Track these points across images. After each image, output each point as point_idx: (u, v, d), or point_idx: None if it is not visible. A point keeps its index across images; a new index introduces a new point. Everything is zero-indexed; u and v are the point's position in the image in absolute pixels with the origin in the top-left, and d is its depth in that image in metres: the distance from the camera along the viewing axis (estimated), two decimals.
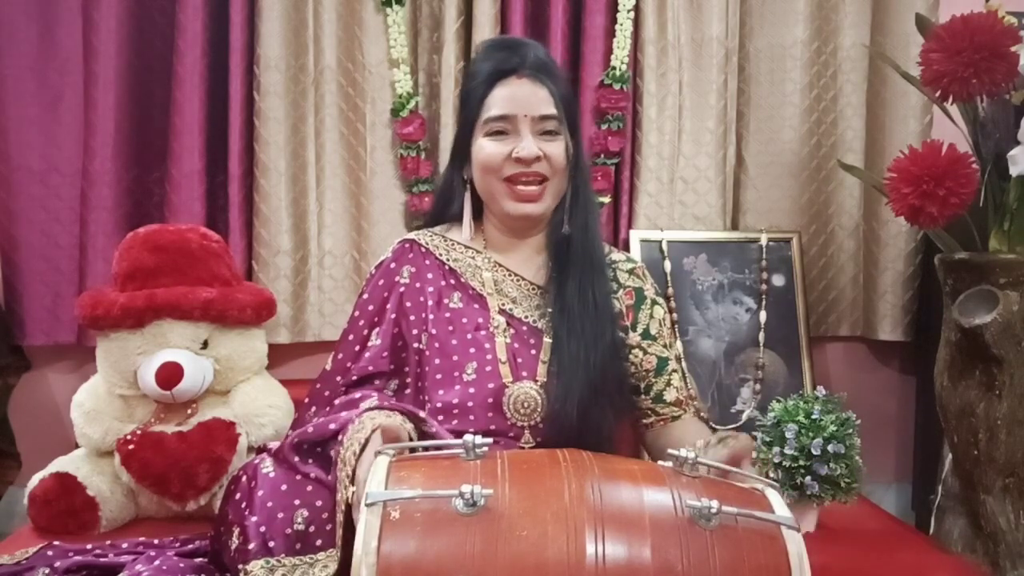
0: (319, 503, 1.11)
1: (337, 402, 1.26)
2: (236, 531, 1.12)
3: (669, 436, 1.32)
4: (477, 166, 1.28)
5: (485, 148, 1.26)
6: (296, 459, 1.15)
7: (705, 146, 2.01)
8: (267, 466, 1.17)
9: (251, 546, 1.08)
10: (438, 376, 1.25)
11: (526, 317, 1.30)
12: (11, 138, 1.88)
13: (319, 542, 1.09)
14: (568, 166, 1.29)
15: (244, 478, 1.18)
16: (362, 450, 1.04)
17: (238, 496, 1.16)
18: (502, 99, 1.25)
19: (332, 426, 1.14)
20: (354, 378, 1.29)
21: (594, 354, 1.23)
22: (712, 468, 0.94)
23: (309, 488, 1.12)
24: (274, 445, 1.23)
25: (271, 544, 1.08)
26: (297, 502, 1.11)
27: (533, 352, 1.27)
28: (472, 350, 1.26)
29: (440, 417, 1.21)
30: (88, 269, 1.89)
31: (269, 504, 1.11)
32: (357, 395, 1.24)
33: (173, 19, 1.89)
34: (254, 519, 1.10)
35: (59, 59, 1.89)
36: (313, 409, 1.33)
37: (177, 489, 1.48)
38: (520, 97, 1.25)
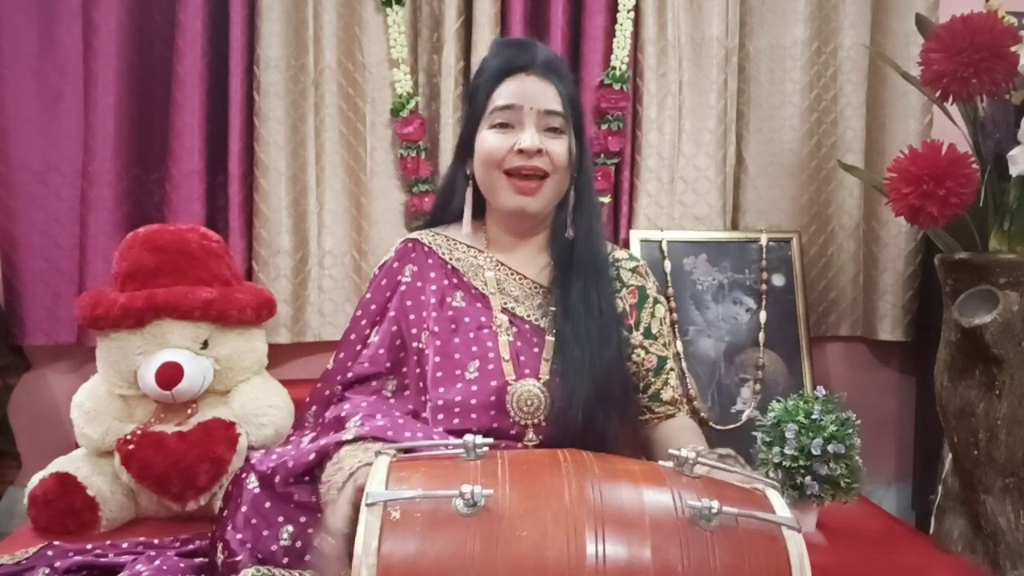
0: (303, 519, 1.13)
1: (328, 414, 1.26)
2: (220, 546, 1.14)
3: (661, 434, 1.32)
4: (479, 158, 1.28)
5: (488, 140, 1.26)
6: (281, 489, 1.16)
7: (705, 146, 2.01)
8: (252, 481, 1.18)
9: (239, 558, 1.10)
10: (439, 375, 1.25)
11: (528, 316, 1.30)
12: (11, 138, 1.88)
13: (307, 557, 1.11)
14: (570, 166, 1.29)
15: (232, 493, 1.20)
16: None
17: (225, 513, 1.18)
18: (510, 91, 1.26)
19: (311, 457, 1.15)
20: (350, 376, 1.29)
21: (599, 358, 1.22)
22: (713, 468, 0.94)
23: (292, 506, 1.14)
24: (257, 457, 1.21)
25: (259, 556, 1.10)
26: (281, 519, 1.13)
27: (536, 350, 1.27)
28: (474, 349, 1.25)
29: (442, 416, 1.21)
30: (88, 269, 1.89)
31: (253, 521, 1.13)
32: (344, 411, 1.23)
33: (173, 19, 1.89)
34: (239, 536, 1.12)
35: (59, 59, 1.89)
36: (314, 409, 1.33)
37: (177, 489, 1.48)
38: (528, 91, 1.26)
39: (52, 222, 1.91)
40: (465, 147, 1.33)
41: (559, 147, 1.26)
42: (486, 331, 1.27)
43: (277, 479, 1.16)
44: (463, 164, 1.34)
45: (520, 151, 1.24)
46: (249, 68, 1.91)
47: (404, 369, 1.29)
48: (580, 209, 1.31)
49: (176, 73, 1.88)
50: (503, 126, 1.26)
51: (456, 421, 1.21)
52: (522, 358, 1.26)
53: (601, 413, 1.21)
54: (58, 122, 1.90)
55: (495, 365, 1.24)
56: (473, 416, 1.21)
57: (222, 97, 1.90)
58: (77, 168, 1.90)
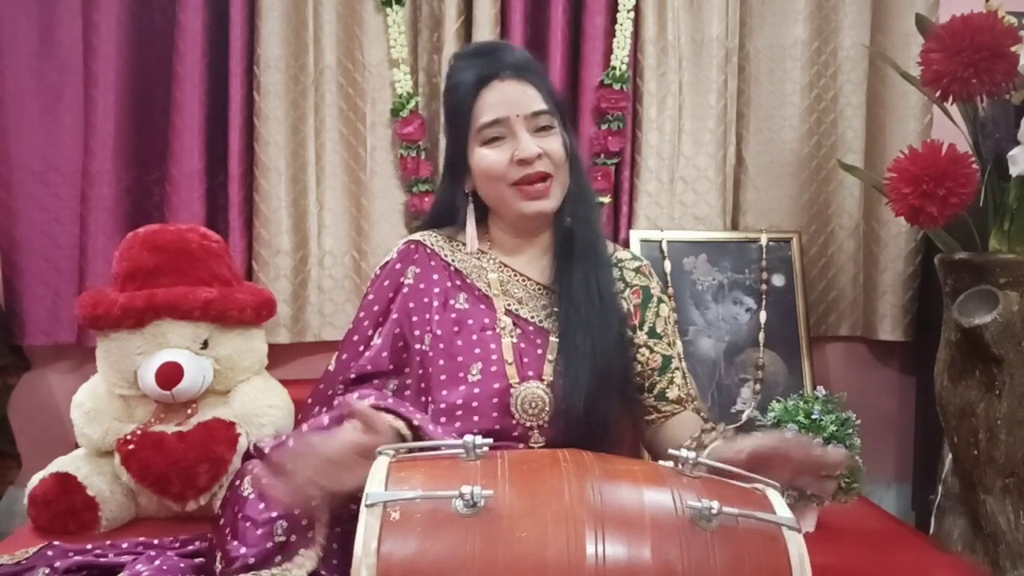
0: (297, 511, 1.13)
1: (336, 404, 1.27)
2: (218, 555, 1.15)
3: (666, 431, 1.32)
4: (481, 176, 1.27)
5: (487, 157, 1.25)
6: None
7: (705, 146, 2.01)
8: (247, 487, 1.18)
9: (234, 567, 1.10)
10: (443, 377, 1.25)
11: (532, 317, 1.30)
12: (11, 138, 1.88)
13: (302, 551, 1.11)
14: (568, 159, 1.28)
15: (229, 500, 1.21)
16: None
17: (222, 522, 1.19)
18: (491, 104, 1.24)
19: (325, 422, 1.15)
20: (352, 376, 1.29)
21: (601, 345, 1.22)
22: (714, 469, 0.94)
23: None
24: (267, 443, 1.23)
25: (251, 561, 1.10)
26: (275, 515, 1.13)
27: (539, 352, 1.27)
28: (477, 350, 1.25)
29: (444, 418, 1.21)
30: (88, 269, 1.89)
31: (248, 524, 1.13)
32: (355, 395, 1.23)
33: (173, 19, 1.89)
34: (235, 543, 1.12)
35: (59, 59, 1.89)
36: (316, 409, 1.33)
37: (177, 489, 1.48)
38: (509, 99, 1.24)
39: (52, 222, 1.91)
40: (457, 167, 1.31)
41: (554, 144, 1.26)
42: (489, 333, 1.27)
43: (291, 443, 1.15)
44: (459, 183, 1.32)
45: (521, 161, 1.23)
46: (249, 68, 1.91)
47: (406, 370, 1.29)
48: (577, 198, 1.30)
49: (176, 73, 1.88)
50: (496, 139, 1.25)
51: (459, 423, 1.21)
52: (525, 360, 1.25)
53: (603, 400, 1.21)
54: (58, 122, 1.90)
55: (498, 367, 1.24)
56: (476, 418, 1.21)
57: (222, 97, 1.90)
58: (77, 168, 1.90)
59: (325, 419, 1.16)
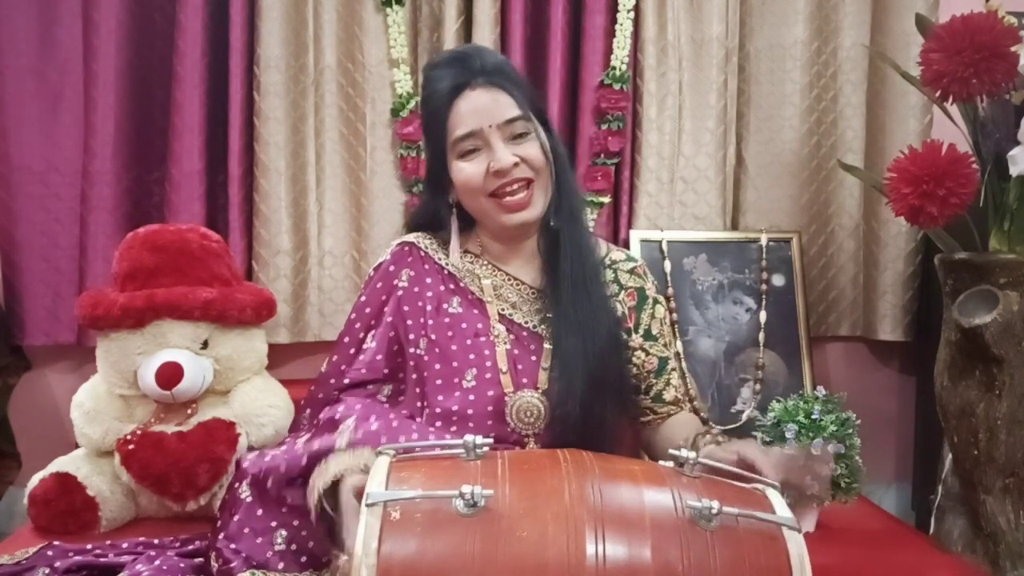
0: (296, 523, 1.13)
1: (322, 416, 1.26)
2: (213, 555, 1.15)
3: (664, 432, 1.32)
4: (460, 189, 1.26)
5: (464, 170, 1.24)
6: (274, 494, 1.16)
7: (705, 146, 2.01)
8: (244, 490, 1.18)
9: (233, 565, 1.11)
10: (438, 382, 1.24)
11: (526, 322, 1.29)
12: (11, 138, 1.88)
13: (304, 559, 1.11)
14: (549, 160, 1.26)
15: (227, 503, 1.21)
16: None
17: (219, 523, 1.19)
18: (464, 115, 1.22)
19: (303, 462, 1.15)
20: (346, 382, 1.29)
21: (593, 346, 1.22)
22: (714, 469, 0.94)
23: (284, 510, 1.15)
24: (250, 459, 1.22)
25: (254, 563, 1.11)
26: (274, 524, 1.14)
27: (533, 359, 1.26)
28: (472, 356, 1.25)
29: (440, 423, 1.21)
30: (88, 269, 1.89)
31: (246, 531, 1.14)
32: (338, 413, 1.22)
33: (173, 19, 1.89)
34: (233, 546, 1.13)
35: (59, 59, 1.89)
36: (308, 412, 1.33)
37: (177, 489, 1.48)
38: (481, 108, 1.22)
39: (52, 222, 1.91)
40: (438, 179, 1.30)
41: (532, 149, 1.24)
42: (483, 339, 1.26)
43: (269, 483, 1.16)
44: (442, 195, 1.31)
45: (497, 172, 1.22)
46: (249, 68, 1.91)
47: (401, 375, 1.29)
48: (561, 196, 1.28)
49: (176, 73, 1.88)
50: (471, 152, 1.23)
51: (455, 428, 1.21)
52: (520, 367, 1.25)
53: (598, 401, 1.20)
54: (58, 122, 1.90)
55: (492, 375, 1.23)
56: (471, 425, 1.21)
57: (222, 97, 1.90)
58: (77, 168, 1.90)
59: (303, 459, 1.15)
